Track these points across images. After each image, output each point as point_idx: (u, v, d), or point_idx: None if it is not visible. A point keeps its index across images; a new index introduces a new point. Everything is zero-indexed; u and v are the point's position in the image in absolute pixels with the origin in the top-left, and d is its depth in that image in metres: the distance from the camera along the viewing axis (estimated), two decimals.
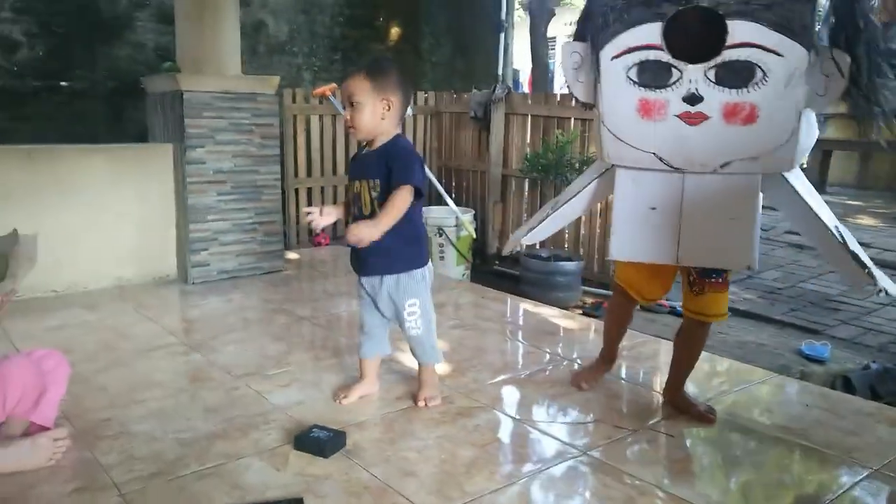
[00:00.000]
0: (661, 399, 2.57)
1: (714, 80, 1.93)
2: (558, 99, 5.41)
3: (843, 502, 1.88)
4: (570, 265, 4.73)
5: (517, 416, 2.42)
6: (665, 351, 3.16)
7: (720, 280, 2.21)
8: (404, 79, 2.26)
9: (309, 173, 5.60)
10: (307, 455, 2.04)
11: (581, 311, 4.48)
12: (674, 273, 2.33)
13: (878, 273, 1.94)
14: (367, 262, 2.30)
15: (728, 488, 1.99)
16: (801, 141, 1.96)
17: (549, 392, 2.59)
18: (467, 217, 5.22)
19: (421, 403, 2.40)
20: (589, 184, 2.35)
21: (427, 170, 2.75)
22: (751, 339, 3.90)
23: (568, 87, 2.25)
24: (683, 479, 2.02)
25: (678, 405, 2.40)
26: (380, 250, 2.21)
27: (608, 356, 2.63)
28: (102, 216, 3.90)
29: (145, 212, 4.05)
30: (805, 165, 10.37)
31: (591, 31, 2.11)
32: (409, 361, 2.63)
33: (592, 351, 3.01)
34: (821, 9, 1.80)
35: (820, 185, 9.00)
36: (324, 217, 2.24)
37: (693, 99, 1.96)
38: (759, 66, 1.87)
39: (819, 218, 2.01)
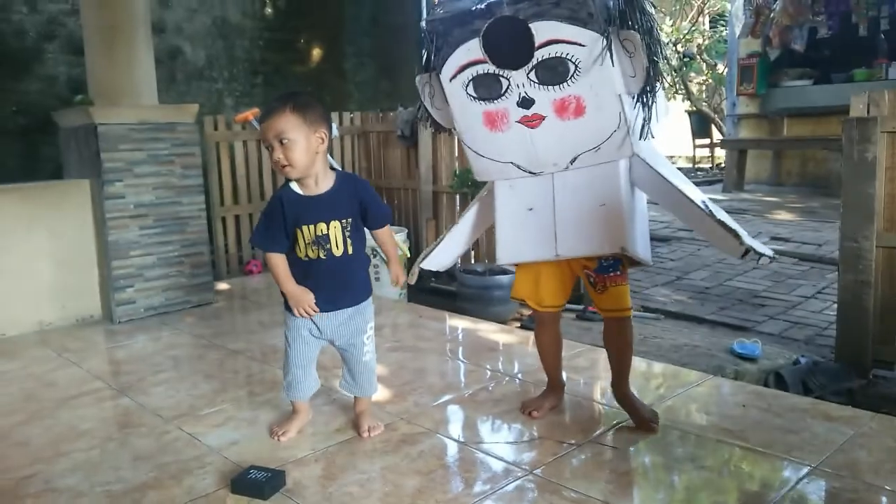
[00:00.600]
0: (602, 410, 2.59)
1: (538, 81, 2.03)
2: None
3: (787, 502, 1.92)
4: (505, 278, 4.73)
5: (461, 439, 2.39)
6: (603, 359, 3.19)
7: (618, 273, 2.27)
8: (325, 109, 2.23)
9: (235, 200, 5.48)
10: (245, 498, 1.97)
11: (519, 325, 4.49)
12: (570, 278, 2.39)
13: (743, 234, 2.03)
14: (341, 296, 2.26)
15: (674, 497, 2.01)
16: (634, 121, 2.04)
17: (493, 411, 2.57)
18: (400, 236, 5.19)
19: (365, 434, 2.35)
20: (473, 205, 2.47)
21: None
22: (684, 341, 3.97)
23: (428, 117, 2.35)
24: (629, 490, 2.03)
25: (624, 406, 2.42)
26: (356, 283, 2.29)
27: (553, 384, 2.57)
28: (18, 258, 3.71)
29: (64, 251, 3.88)
30: (722, 164, 10.78)
31: (430, 57, 2.21)
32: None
33: (532, 364, 3.02)
34: None
35: (738, 184, 9.34)
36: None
37: (526, 102, 2.07)
38: (570, 59, 1.97)
39: (685, 195, 2.13)
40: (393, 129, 5.95)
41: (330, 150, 2.30)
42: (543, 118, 2.08)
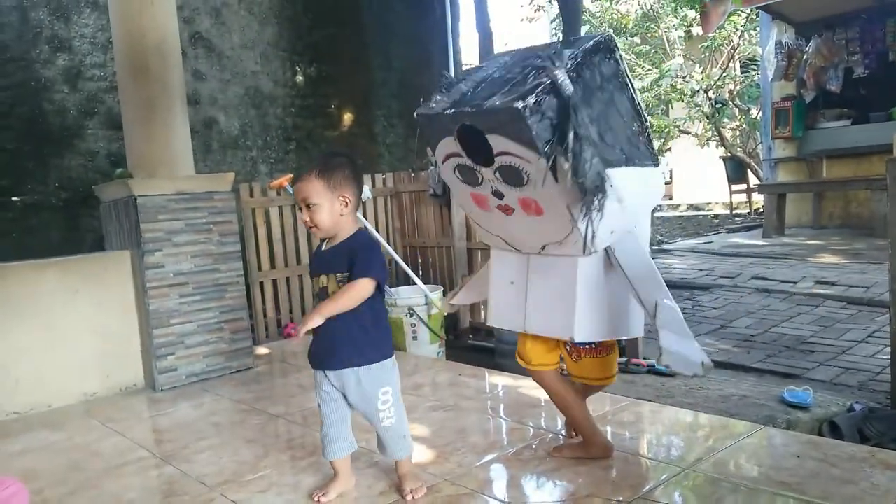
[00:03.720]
0: (650, 465, 2.52)
1: (503, 180, 2.18)
2: None
3: None
4: None
5: (507, 500, 2.33)
6: (649, 412, 3.12)
7: (594, 346, 2.44)
8: (356, 170, 2.28)
9: (272, 265, 5.55)
10: None
11: None
12: (552, 343, 2.51)
13: (667, 352, 2.18)
14: (336, 353, 2.25)
15: None
16: (593, 228, 2.13)
17: (538, 469, 2.51)
18: (436, 294, 5.18)
19: (409, 496, 2.31)
20: (484, 269, 2.67)
21: (392, 250, 2.81)
22: (732, 390, 3.86)
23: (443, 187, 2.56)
24: None
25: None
26: (350, 340, 2.21)
27: (587, 439, 2.59)
28: (62, 330, 3.79)
29: (106, 322, 3.95)
30: (761, 209, 10.64)
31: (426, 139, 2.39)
32: None
33: None
34: (552, 117, 2.00)
35: (778, 228, 9.19)
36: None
37: (498, 194, 2.24)
38: (521, 171, 2.10)
39: (636, 290, 2.26)
40: (425, 187, 6.01)
41: (364, 211, 2.35)
42: (513, 209, 2.25)
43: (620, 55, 2.20)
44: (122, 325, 4.00)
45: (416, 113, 2.31)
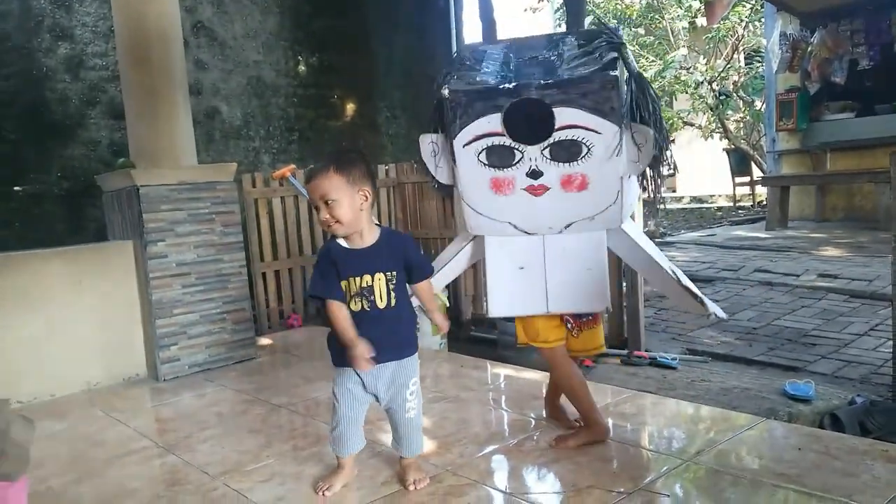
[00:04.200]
0: (651, 456, 2.52)
1: (550, 157, 2.25)
2: None
3: None
4: None
5: (508, 490, 2.34)
6: (650, 404, 3.13)
7: (590, 318, 2.59)
8: (370, 166, 2.29)
9: (275, 256, 5.55)
10: None
11: None
12: (558, 318, 2.58)
13: (707, 301, 2.37)
14: (383, 349, 2.21)
15: None
16: (626, 200, 2.32)
17: (539, 460, 2.52)
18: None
19: (411, 487, 2.31)
20: (461, 250, 2.68)
21: None
22: (734, 383, 3.86)
23: (428, 172, 2.61)
24: None
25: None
26: (399, 336, 2.27)
27: (587, 423, 2.66)
28: (65, 320, 3.80)
29: (109, 311, 3.95)
30: (764, 201, 10.62)
31: (443, 124, 2.40)
32: (390, 441, 2.55)
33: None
34: (625, 94, 2.13)
35: (781, 221, 9.17)
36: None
37: (535, 174, 2.29)
38: (584, 143, 2.19)
39: (657, 262, 2.42)
40: (427, 179, 6.00)
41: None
42: (548, 189, 2.31)
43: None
44: (125, 315, 4.01)
45: (448, 91, 2.29)
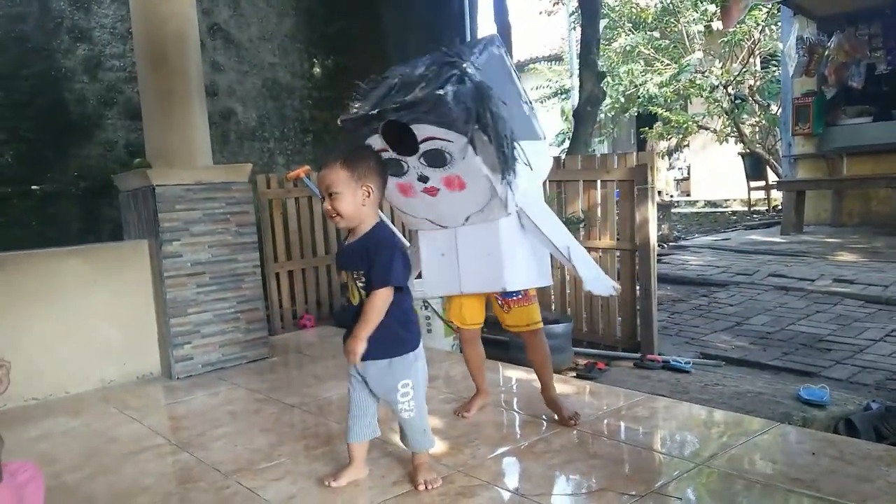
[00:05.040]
0: (663, 459, 2.51)
1: (427, 164, 2.53)
2: None
3: None
4: (558, 327, 4.68)
5: (520, 492, 2.33)
6: (663, 407, 3.11)
7: (520, 296, 2.85)
8: (380, 162, 2.33)
9: (289, 257, 5.57)
10: None
11: (574, 374, 4.41)
12: (482, 303, 2.98)
13: (587, 280, 2.71)
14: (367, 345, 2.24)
15: None
16: (511, 191, 2.55)
17: (551, 462, 2.51)
18: None
19: (422, 487, 2.32)
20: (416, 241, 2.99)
21: (407, 242, 2.87)
22: (747, 387, 3.84)
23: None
24: None
25: (553, 407, 2.94)
26: (376, 334, 2.23)
27: (480, 388, 3.13)
28: (80, 318, 3.83)
29: (124, 310, 3.98)
30: (779, 206, 10.53)
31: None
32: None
33: (590, 414, 2.97)
34: (465, 101, 2.36)
35: (797, 225, 9.11)
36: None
37: (423, 179, 2.59)
38: (445, 151, 2.46)
39: (551, 241, 2.70)
40: None
41: (380, 204, 2.43)
42: (438, 189, 2.60)
43: (506, 51, 2.68)
44: (140, 313, 4.04)
45: (339, 120, 2.65)
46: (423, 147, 2.47)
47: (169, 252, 3.91)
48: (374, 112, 2.48)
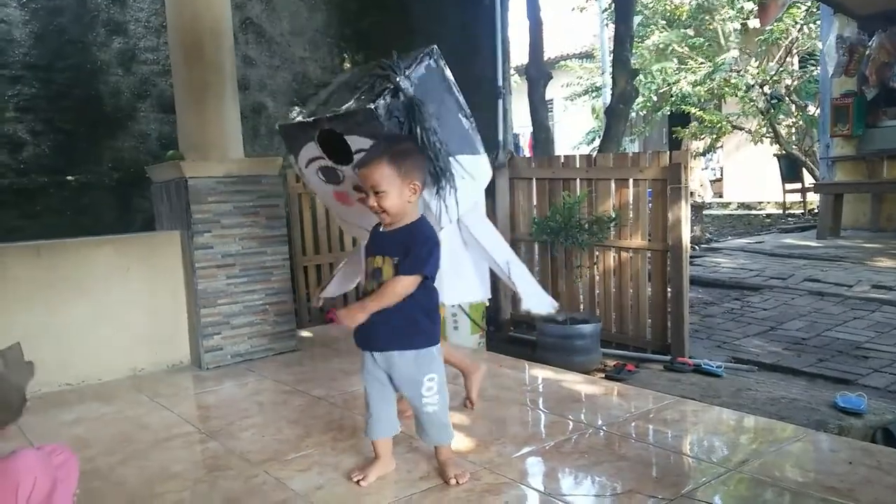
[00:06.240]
0: (693, 464, 2.47)
1: None
2: (562, 161, 5.43)
3: None
4: (587, 328, 4.64)
5: (546, 491, 2.31)
6: (692, 411, 3.06)
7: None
8: (422, 157, 2.31)
9: (317, 251, 5.60)
10: None
11: (603, 375, 4.36)
12: None
13: (524, 298, 2.74)
14: (386, 335, 2.25)
15: None
16: (444, 204, 2.55)
17: (578, 463, 2.48)
18: None
19: (453, 481, 2.30)
20: (358, 250, 2.96)
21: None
22: (781, 393, 3.77)
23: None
24: None
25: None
26: (399, 324, 2.22)
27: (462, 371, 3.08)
28: (113, 307, 3.87)
29: (156, 300, 4.02)
30: (815, 209, 10.28)
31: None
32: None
33: (618, 416, 2.93)
34: (398, 114, 2.42)
35: (833, 229, 8.93)
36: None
37: (358, 188, 2.51)
38: None
39: (492, 256, 2.75)
40: None
41: None
42: None
43: (444, 63, 2.69)
44: (171, 303, 4.08)
45: (277, 125, 2.69)
46: (357, 157, 2.46)
47: (200, 243, 3.94)
48: (310, 120, 2.52)
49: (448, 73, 2.71)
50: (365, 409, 2.39)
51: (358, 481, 2.34)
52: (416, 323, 2.26)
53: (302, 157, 2.67)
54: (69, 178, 5.31)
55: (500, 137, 8.10)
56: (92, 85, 5.42)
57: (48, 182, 5.21)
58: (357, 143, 2.45)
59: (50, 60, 5.21)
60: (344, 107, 2.43)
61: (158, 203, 4.39)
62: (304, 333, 4.80)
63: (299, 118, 2.62)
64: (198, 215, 3.92)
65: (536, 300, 2.75)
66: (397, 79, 2.41)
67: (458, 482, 2.29)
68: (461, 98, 2.75)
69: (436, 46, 2.68)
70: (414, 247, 2.19)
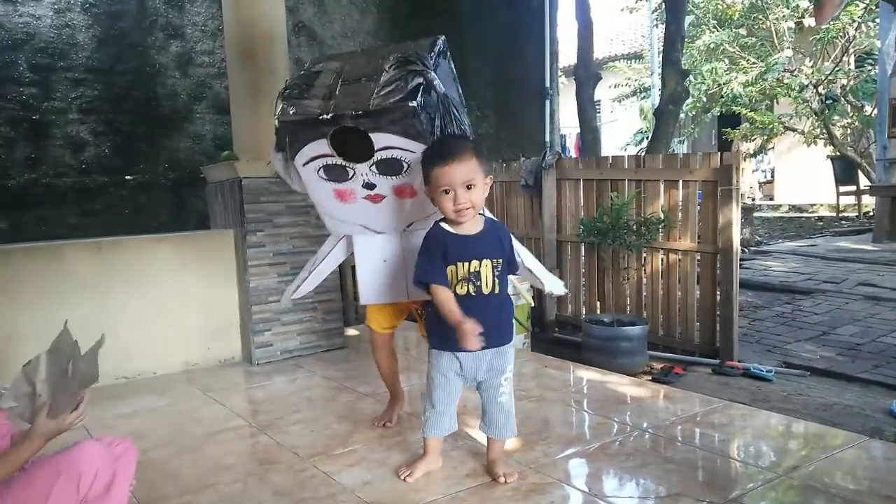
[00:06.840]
0: (741, 468, 2.45)
1: (378, 172, 2.45)
2: (610, 162, 5.40)
3: None
4: (634, 329, 4.60)
5: (591, 492, 2.31)
6: (741, 415, 3.03)
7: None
8: None
9: None
10: None
11: (650, 378, 4.33)
12: (405, 308, 2.88)
13: (544, 280, 2.70)
14: (489, 334, 2.20)
15: None
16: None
17: (623, 465, 2.48)
18: (524, 285, 5.17)
19: (501, 480, 2.33)
20: (334, 247, 2.92)
21: None
22: (834, 399, 3.69)
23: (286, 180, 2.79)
24: None
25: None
26: (503, 322, 2.33)
27: (393, 395, 3.04)
28: (169, 303, 4.00)
29: (210, 296, 4.13)
30: (871, 212, 10.00)
31: (285, 145, 2.60)
32: (476, 435, 2.60)
33: (664, 419, 2.92)
34: (434, 114, 2.34)
35: (890, 233, 8.68)
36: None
37: (370, 186, 2.50)
38: (402, 160, 2.39)
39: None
40: (515, 178, 6.00)
41: None
42: (384, 197, 2.52)
43: (449, 54, 2.61)
44: (224, 300, 4.18)
45: (278, 121, 2.53)
46: (378, 155, 2.40)
47: (253, 242, 4.04)
48: (330, 116, 2.38)
49: (452, 64, 2.66)
50: (424, 408, 2.41)
51: (405, 477, 2.38)
52: (510, 319, 2.38)
53: (302, 155, 2.54)
54: (127, 177, 5.50)
55: (547, 138, 8.09)
56: (150, 87, 5.60)
57: (108, 181, 5.40)
58: (382, 140, 2.36)
59: (111, 64, 5.40)
60: (374, 103, 2.31)
61: (213, 202, 4.51)
62: (351, 332, 4.88)
63: (309, 114, 2.45)
64: (251, 214, 4.02)
65: (554, 282, 2.75)
66: (429, 74, 2.32)
67: (506, 480, 2.32)
68: (460, 89, 2.71)
69: (443, 37, 2.58)
70: (509, 245, 2.31)
